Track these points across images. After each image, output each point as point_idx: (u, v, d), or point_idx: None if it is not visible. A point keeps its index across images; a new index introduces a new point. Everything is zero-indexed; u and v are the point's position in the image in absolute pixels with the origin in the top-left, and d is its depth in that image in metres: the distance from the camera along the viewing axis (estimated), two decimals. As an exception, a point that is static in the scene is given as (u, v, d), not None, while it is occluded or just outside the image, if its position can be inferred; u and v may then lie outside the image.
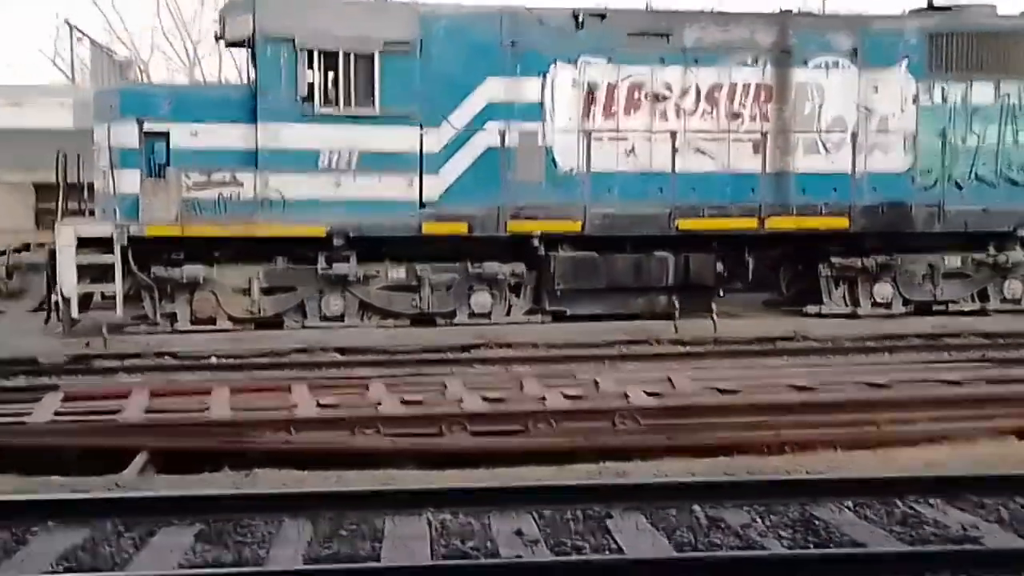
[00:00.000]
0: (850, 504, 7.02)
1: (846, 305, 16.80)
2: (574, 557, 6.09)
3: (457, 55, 15.37)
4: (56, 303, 14.95)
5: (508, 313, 15.86)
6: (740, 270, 16.65)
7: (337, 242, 15.14)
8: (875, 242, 16.71)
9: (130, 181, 14.71)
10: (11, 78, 35.84)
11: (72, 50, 30.21)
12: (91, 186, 15.82)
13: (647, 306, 16.06)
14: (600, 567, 5.86)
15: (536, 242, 15.69)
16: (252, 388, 10.77)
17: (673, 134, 15.86)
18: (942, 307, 16.90)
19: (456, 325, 15.48)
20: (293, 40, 14.83)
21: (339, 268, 15.22)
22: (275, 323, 15.24)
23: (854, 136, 16.33)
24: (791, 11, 16.99)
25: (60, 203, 15.33)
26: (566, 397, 10.03)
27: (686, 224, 15.95)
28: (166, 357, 13.44)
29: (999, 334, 14.98)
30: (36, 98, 19.57)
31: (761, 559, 5.95)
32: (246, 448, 8.96)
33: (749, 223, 16.14)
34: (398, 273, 15.58)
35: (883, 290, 16.81)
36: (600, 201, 15.77)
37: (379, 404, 9.82)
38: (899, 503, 7.05)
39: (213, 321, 15.07)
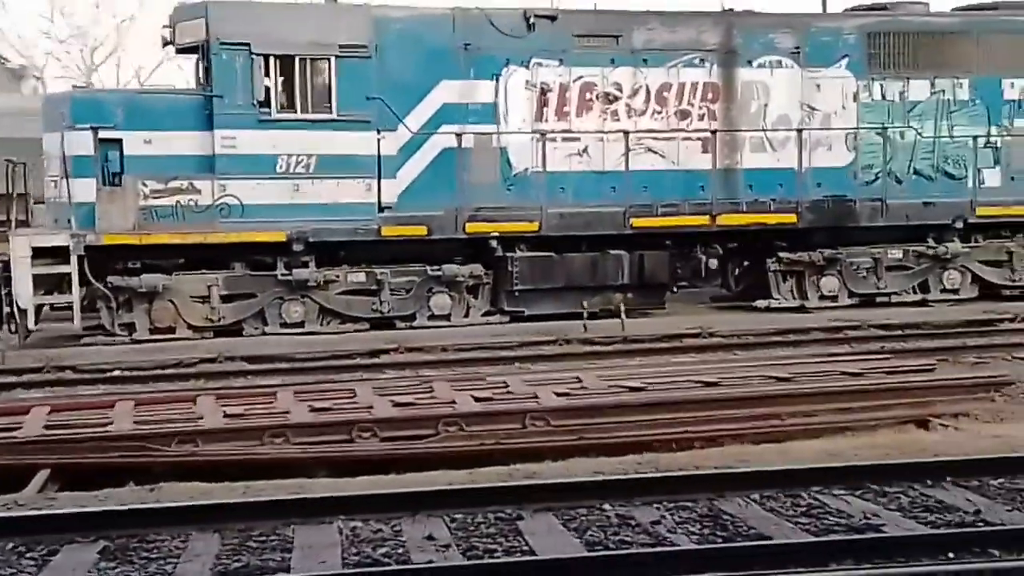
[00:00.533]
0: (756, 497, 7.12)
1: (794, 299, 17.05)
2: (486, 560, 6.08)
3: (411, 57, 15.49)
4: (9, 314, 14.80)
5: (467, 315, 15.93)
6: (692, 266, 16.94)
7: (296, 247, 15.13)
8: (821, 237, 17.05)
9: (85, 190, 14.62)
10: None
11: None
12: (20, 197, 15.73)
13: (603, 303, 16.19)
14: (510, 569, 5.87)
15: (494, 243, 15.82)
16: (156, 400, 10.56)
17: (626, 134, 16.05)
18: (885, 299, 17.26)
19: (415, 328, 15.52)
20: (248, 45, 14.85)
21: (299, 274, 15.18)
22: (234, 331, 15.22)
23: (799, 133, 16.63)
24: (735, 11, 17.31)
25: (11, 214, 15.20)
26: (476, 400, 10.01)
27: (640, 222, 16.17)
28: (67, 371, 13.14)
29: (897, 326, 15.34)
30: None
31: (670, 554, 6.01)
32: (151, 462, 8.78)
33: (701, 220, 16.41)
34: (357, 277, 15.58)
35: (829, 283, 17.08)
36: (555, 201, 15.95)
37: (287, 413, 9.69)
38: (804, 494, 7.17)
39: (172, 330, 14.94)
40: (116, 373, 13.05)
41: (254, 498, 7.28)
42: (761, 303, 16.94)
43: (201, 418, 9.48)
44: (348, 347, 14.20)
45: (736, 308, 17.18)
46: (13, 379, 12.76)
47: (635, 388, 10.26)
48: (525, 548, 6.27)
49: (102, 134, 14.51)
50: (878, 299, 17.22)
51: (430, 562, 5.99)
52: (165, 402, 10.35)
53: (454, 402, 9.86)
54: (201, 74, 15.57)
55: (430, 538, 6.44)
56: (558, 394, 10.05)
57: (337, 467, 8.84)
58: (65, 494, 7.88)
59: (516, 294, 15.98)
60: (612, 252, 16.20)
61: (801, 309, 16.75)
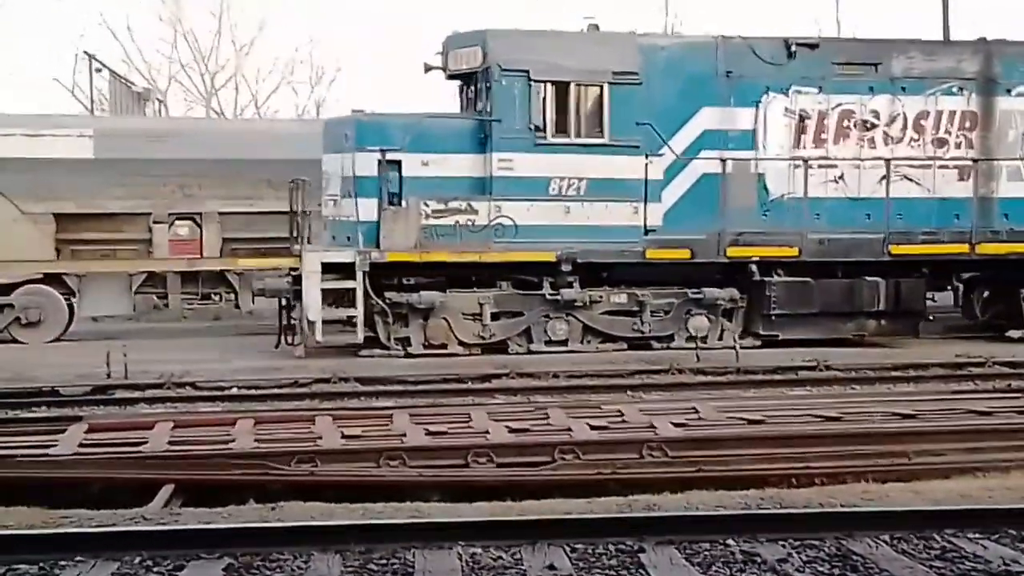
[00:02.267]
0: (887, 538, 6.90)
1: None
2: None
3: (675, 84, 15.86)
4: (288, 327, 15.82)
5: (720, 338, 16.15)
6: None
7: (565, 267, 15.60)
8: None
9: (368, 209, 15.26)
10: (29, 107, 36.05)
11: (91, 81, 30.47)
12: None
13: (856, 330, 16.43)
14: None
15: (753, 267, 16.05)
16: (276, 419, 10.70)
17: (887, 161, 16.22)
18: None
19: (672, 349, 15.81)
20: (528, 72, 15.39)
21: (567, 293, 15.65)
22: (500, 348, 15.68)
23: None
24: (996, 39, 17.25)
25: (300, 231, 16.15)
26: (592, 428, 9.94)
27: (899, 249, 16.28)
28: (187, 387, 13.41)
29: (1023, 363, 14.85)
30: (54, 128, 19.70)
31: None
32: (271, 480, 8.88)
33: (961, 248, 16.45)
34: (619, 298, 16.00)
35: None
36: (812, 227, 16.15)
37: (404, 435, 9.74)
38: (937, 537, 6.93)
39: (444, 346, 15.51)
40: (233, 391, 13.27)
41: (375, 520, 7.29)
42: (1015, 333, 16.85)
43: (320, 438, 9.60)
44: (458, 371, 14.24)
45: (977, 338, 16.98)
46: (136, 394, 13.03)
47: (753, 420, 10.12)
48: (649, 581, 6.15)
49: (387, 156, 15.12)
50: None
51: (556, 593, 5.91)
52: (284, 421, 10.49)
53: (570, 429, 9.83)
54: (475, 99, 16.10)
55: (551, 567, 6.36)
56: (675, 424, 9.94)
57: (452, 492, 8.82)
58: (189, 510, 7.98)
59: (773, 318, 16.17)
60: (868, 279, 16.31)
61: None
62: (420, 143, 15.29)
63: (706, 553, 6.63)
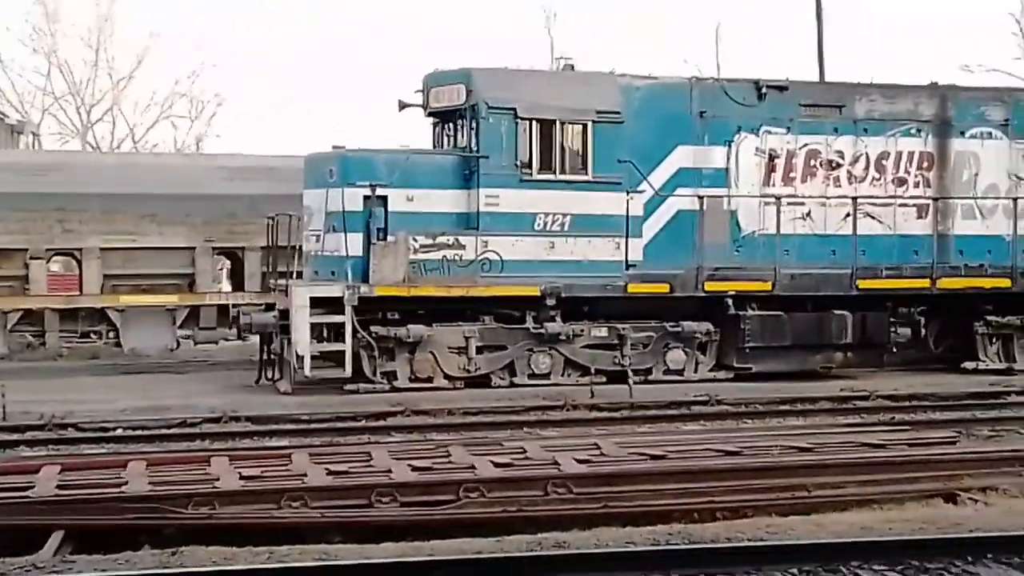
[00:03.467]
0: (795, 571, 6.97)
1: (1000, 361, 17.54)
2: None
3: (652, 123, 16.29)
4: (270, 362, 15.91)
5: (696, 371, 16.53)
6: (907, 328, 17.79)
7: (549, 302, 15.87)
8: None
9: (354, 244, 15.32)
10: None
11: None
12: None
13: (825, 362, 16.96)
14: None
15: (729, 301, 16.45)
16: (169, 460, 10.33)
17: (854, 199, 16.79)
18: None
19: (651, 383, 15.98)
20: (515, 110, 15.72)
21: (551, 327, 15.92)
22: (483, 382, 15.75)
23: (1015, 202, 17.36)
24: (950, 84, 18.12)
25: (292, 265, 16.17)
26: (496, 465, 9.83)
27: (866, 284, 16.87)
28: (70, 428, 12.92)
29: (906, 396, 15.27)
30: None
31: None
32: (166, 524, 8.55)
33: (922, 283, 17.14)
34: (601, 331, 16.23)
35: None
36: (783, 262, 16.64)
37: (304, 475, 9.48)
38: (844, 569, 7.03)
39: (430, 380, 15.56)
40: (119, 432, 12.85)
41: (281, 564, 7.09)
42: (968, 364, 17.43)
43: (217, 479, 9.26)
44: (352, 409, 14.04)
45: (935, 370, 17.56)
46: (16, 436, 12.51)
47: (655, 456, 10.12)
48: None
49: (370, 191, 15.27)
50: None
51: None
52: (178, 462, 10.12)
53: (473, 467, 9.68)
54: (454, 135, 16.39)
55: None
56: (579, 460, 9.88)
57: (356, 532, 8.62)
58: (83, 557, 7.64)
59: (747, 351, 16.55)
60: (836, 312, 16.79)
61: (1008, 372, 17.12)
62: (405, 178, 15.55)
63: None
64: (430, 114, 16.68)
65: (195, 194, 18.58)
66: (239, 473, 9.44)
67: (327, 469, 9.61)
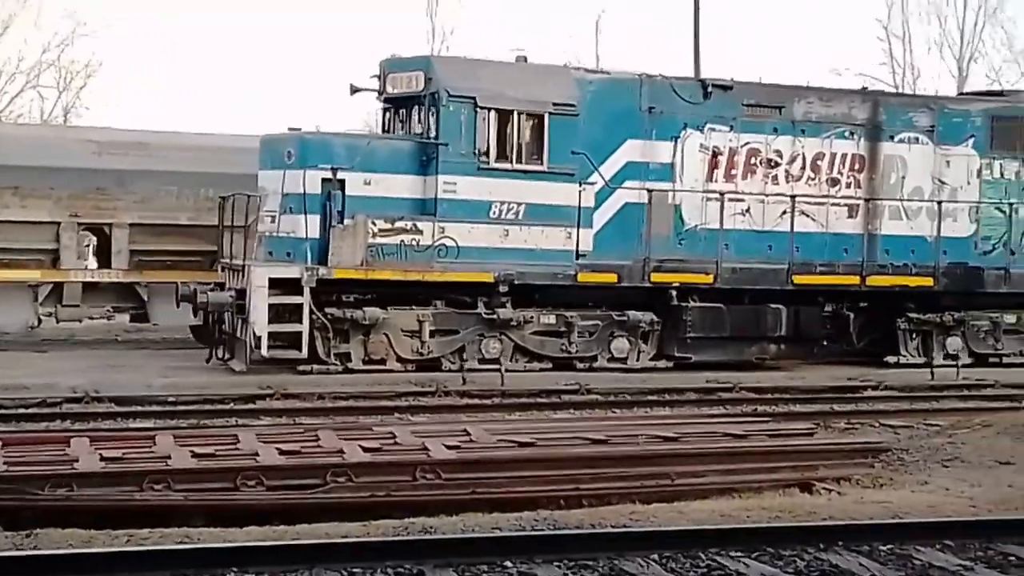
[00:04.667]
0: (656, 557, 7.12)
1: (920, 356, 18.20)
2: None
3: (604, 117, 16.69)
4: (220, 341, 15.95)
5: (638, 359, 16.94)
6: (838, 324, 18.15)
7: (502, 288, 16.17)
8: (949, 300, 18.61)
9: (312, 226, 15.40)
10: None
11: None
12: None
13: (760, 353, 17.54)
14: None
15: (673, 292, 16.89)
16: (26, 440, 10.04)
17: (792, 197, 17.37)
18: (996, 359, 18.77)
19: (596, 370, 16.47)
20: (475, 99, 15.96)
21: (503, 313, 16.21)
22: (434, 366, 15.97)
23: (938, 205, 18.04)
24: (882, 91, 18.99)
25: (230, 246, 16.06)
26: (365, 450, 9.80)
27: (801, 279, 17.47)
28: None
29: (767, 389, 15.70)
30: None
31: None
32: (23, 507, 8.31)
33: (853, 280, 17.85)
34: (549, 319, 16.62)
35: (954, 343, 18.59)
36: (723, 256, 17.10)
37: (168, 458, 9.31)
38: (702, 555, 7.20)
39: (383, 362, 15.77)
40: None
41: (139, 547, 6.96)
42: (891, 359, 18.10)
43: (76, 461, 9.04)
44: (224, 392, 13.86)
45: (860, 363, 18.08)
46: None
47: (524, 443, 10.21)
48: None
49: (331, 175, 15.40)
50: (990, 359, 18.59)
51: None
52: (36, 443, 9.85)
53: (342, 452, 9.64)
54: (408, 121, 16.63)
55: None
56: (448, 446, 9.92)
57: (220, 516, 8.53)
58: (-69, 540, 7.39)
59: (687, 341, 17.01)
60: (772, 306, 17.31)
61: (927, 366, 17.50)
62: (364, 162, 15.73)
63: (485, 575, 6.67)
64: (386, 100, 16.85)
65: (61, 167, 17.93)
66: (100, 455, 9.23)
67: (192, 451, 9.46)
